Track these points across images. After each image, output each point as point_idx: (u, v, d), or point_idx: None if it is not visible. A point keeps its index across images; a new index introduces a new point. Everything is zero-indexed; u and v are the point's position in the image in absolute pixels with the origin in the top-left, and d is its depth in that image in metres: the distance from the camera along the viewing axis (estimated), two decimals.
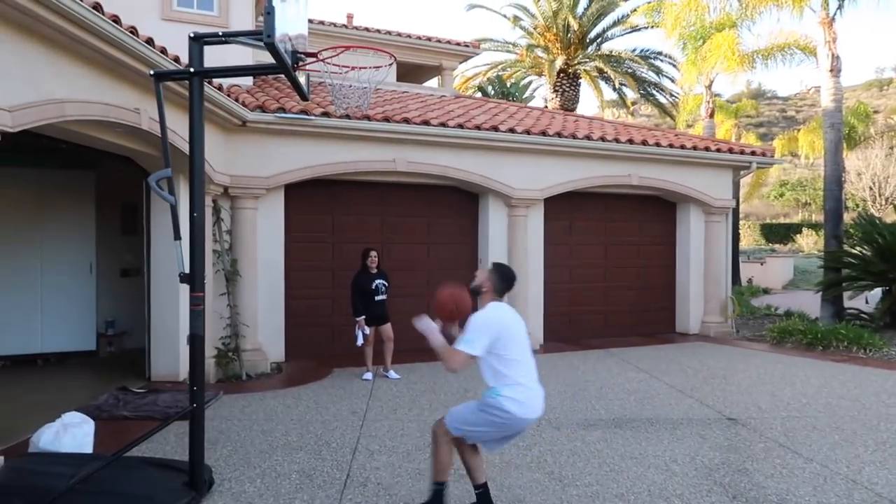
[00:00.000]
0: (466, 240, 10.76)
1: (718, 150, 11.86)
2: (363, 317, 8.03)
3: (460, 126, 9.70)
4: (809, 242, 34.91)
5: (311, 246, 9.60)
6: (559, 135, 10.41)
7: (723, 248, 12.32)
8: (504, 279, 4.02)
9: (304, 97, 4.59)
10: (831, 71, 13.35)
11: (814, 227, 36.16)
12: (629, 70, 22.85)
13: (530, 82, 23.45)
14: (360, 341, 8.05)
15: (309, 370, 8.73)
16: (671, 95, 23.81)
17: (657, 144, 11.20)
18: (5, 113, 4.43)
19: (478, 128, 9.82)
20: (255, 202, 8.86)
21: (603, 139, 10.72)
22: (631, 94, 24.17)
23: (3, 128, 4.43)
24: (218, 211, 8.59)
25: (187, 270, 4.14)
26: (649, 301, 12.24)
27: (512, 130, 10.09)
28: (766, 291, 22.34)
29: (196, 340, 4.19)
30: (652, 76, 23.35)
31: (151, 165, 7.56)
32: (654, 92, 23.69)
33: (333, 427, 6.14)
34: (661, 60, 23.22)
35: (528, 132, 10.20)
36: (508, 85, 20.76)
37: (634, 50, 23.12)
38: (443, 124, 9.59)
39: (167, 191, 4.27)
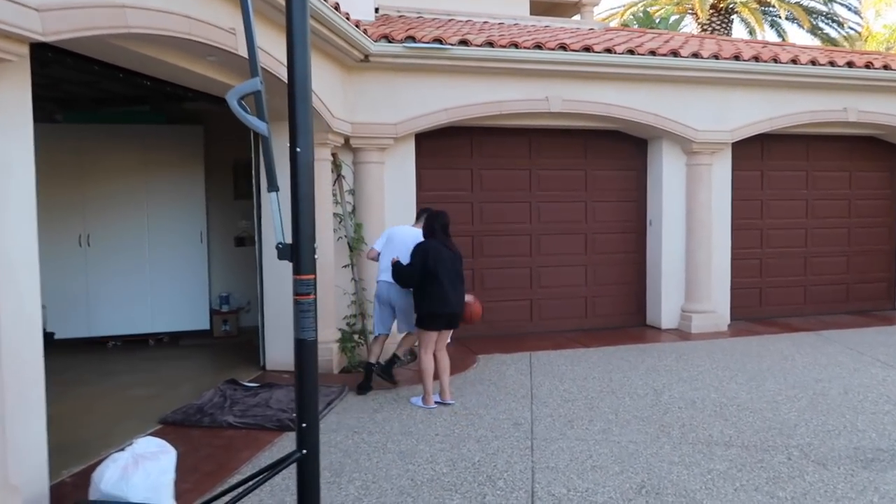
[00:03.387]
0: (633, 196, 8.74)
1: None
2: None
3: (630, 52, 7.66)
4: None
5: (448, 207, 7.89)
6: (757, 59, 8.09)
7: None
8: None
9: None
10: None
11: None
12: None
13: (680, 19, 20.48)
14: None
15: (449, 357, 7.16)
16: (847, 28, 20.09)
17: (885, 68, 8.59)
18: (32, 13, 3.04)
19: (653, 53, 7.74)
20: (382, 154, 7.33)
21: (814, 63, 8.27)
22: (792, 32, 20.65)
23: (31, 34, 3.04)
24: (339, 167, 7.16)
25: (288, 240, 2.61)
26: (863, 271, 9.70)
27: (696, 55, 7.91)
28: None
29: (304, 348, 2.68)
30: (821, 6, 19.75)
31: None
32: (821, 24, 20.07)
33: (494, 449, 4.52)
34: None
35: (716, 56, 7.98)
36: (657, 21, 18.01)
37: None
38: (608, 50, 7.58)
39: (256, 115, 2.72)
